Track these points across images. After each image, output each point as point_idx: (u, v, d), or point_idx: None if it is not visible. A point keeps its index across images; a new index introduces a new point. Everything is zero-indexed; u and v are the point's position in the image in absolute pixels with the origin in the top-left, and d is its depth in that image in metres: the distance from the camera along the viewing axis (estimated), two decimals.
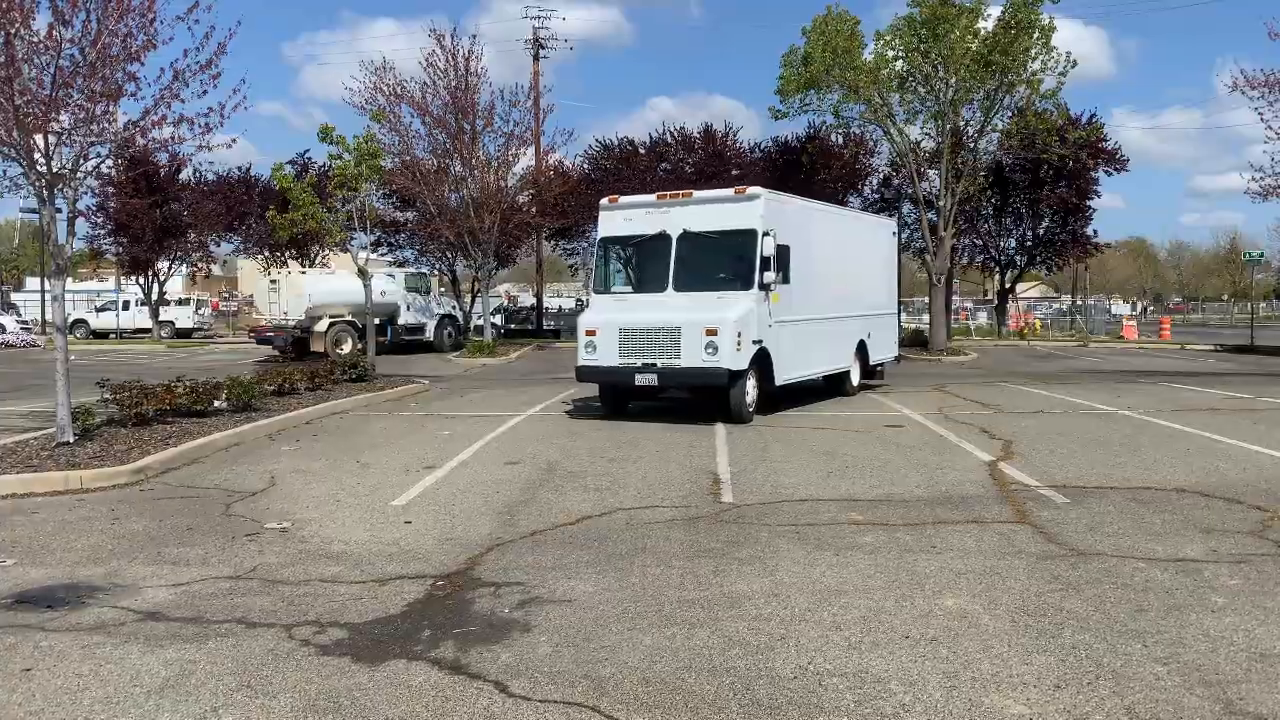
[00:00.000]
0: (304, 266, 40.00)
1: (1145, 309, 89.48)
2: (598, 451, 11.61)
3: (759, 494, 9.25)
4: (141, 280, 44.34)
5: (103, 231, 42.17)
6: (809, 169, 36.81)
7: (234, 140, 12.70)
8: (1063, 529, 7.77)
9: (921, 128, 32.89)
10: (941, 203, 32.48)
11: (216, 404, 13.92)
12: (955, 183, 32.07)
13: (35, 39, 10.78)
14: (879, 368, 19.71)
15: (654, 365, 14.01)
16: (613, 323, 14.44)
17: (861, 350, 18.27)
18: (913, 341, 34.18)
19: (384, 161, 24.57)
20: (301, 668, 5.04)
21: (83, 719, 4.46)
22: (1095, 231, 41.55)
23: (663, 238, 14.72)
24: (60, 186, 11.23)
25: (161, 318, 44.96)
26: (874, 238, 19.85)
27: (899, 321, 22.18)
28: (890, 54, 30.96)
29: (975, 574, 6.56)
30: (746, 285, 14.13)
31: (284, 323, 31.10)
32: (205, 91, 11.81)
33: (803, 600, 6.04)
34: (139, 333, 45.51)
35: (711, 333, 13.56)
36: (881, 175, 41.29)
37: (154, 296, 44.48)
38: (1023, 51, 29.64)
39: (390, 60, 47.32)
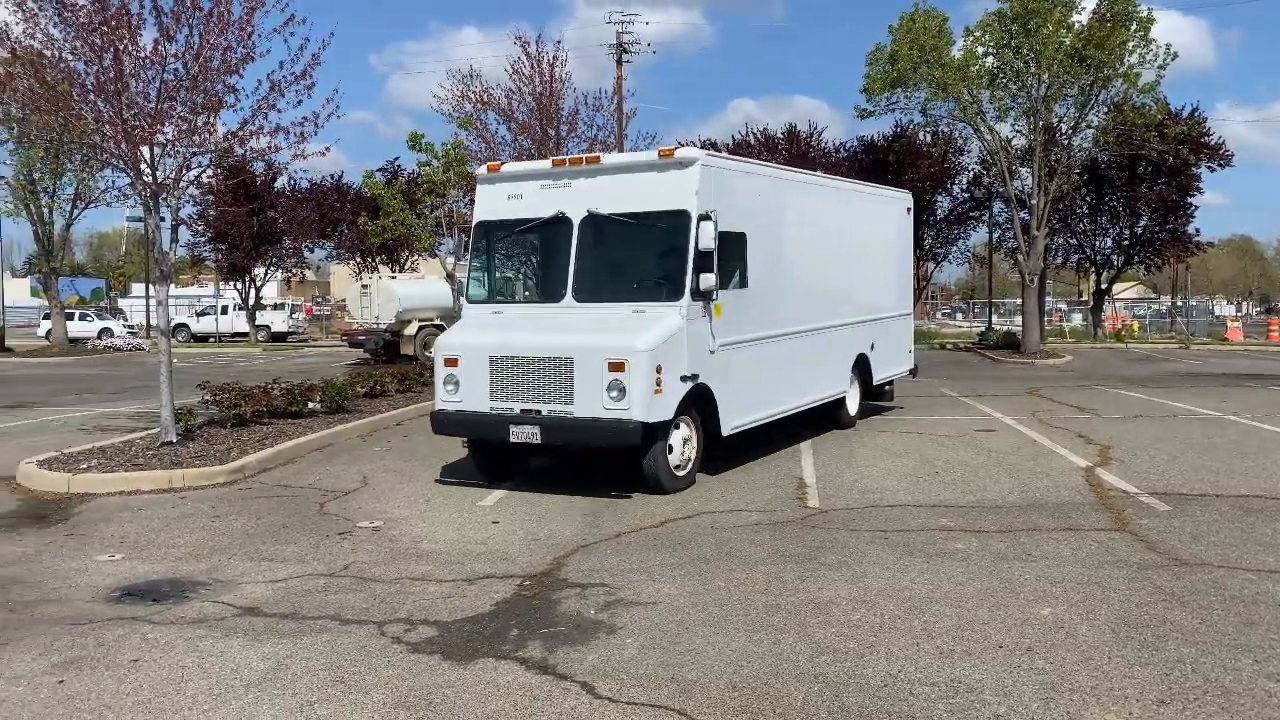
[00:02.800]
0: (394, 271, 40.88)
1: (1251, 310, 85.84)
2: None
3: (846, 499, 9.12)
4: (239, 286, 45.84)
5: (203, 239, 43.75)
6: (895, 168, 36.24)
7: (327, 149, 13.07)
8: (1165, 537, 7.49)
9: (1013, 125, 32.09)
10: (1034, 201, 31.64)
11: (311, 405, 14.29)
12: (1048, 181, 31.21)
13: (142, 54, 11.22)
14: (887, 386, 15.45)
15: (535, 413, 9.37)
16: (481, 348, 9.80)
17: (862, 366, 13.92)
18: (1005, 344, 33.36)
19: (471, 167, 24.95)
20: (393, 664, 5.14)
21: (186, 709, 4.62)
22: (1197, 230, 39.98)
23: (561, 222, 9.99)
24: (164, 196, 11.66)
25: (258, 322, 46.40)
26: (880, 217, 15.12)
27: (911, 325, 16.94)
28: (980, 50, 30.28)
29: (1072, 583, 6.36)
30: (674, 294, 9.44)
31: (375, 326, 31.78)
32: (300, 102, 12.16)
33: (892, 607, 5.94)
34: (237, 336, 47.04)
35: (616, 367, 9.02)
36: (971, 174, 40.39)
37: (251, 301, 45.94)
38: (1119, 45, 28.69)
39: (477, 68, 48.04)
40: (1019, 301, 36.75)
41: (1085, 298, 51.16)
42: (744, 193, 10.65)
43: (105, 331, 44.96)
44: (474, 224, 10.85)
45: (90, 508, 9.11)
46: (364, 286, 34.32)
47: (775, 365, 11.24)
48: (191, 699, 4.72)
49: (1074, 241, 41.53)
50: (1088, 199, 39.28)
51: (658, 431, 9.18)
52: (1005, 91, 30.96)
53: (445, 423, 10.05)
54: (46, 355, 34.74)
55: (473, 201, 11.53)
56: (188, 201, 30.99)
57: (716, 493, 9.45)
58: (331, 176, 45.91)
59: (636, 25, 49.74)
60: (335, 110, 12.31)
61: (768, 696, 4.66)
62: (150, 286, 41.96)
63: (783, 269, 11.52)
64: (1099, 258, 41.74)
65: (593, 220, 9.86)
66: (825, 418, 13.22)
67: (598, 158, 10.42)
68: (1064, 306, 59.36)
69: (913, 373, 16.20)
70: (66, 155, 32.29)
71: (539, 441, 9.38)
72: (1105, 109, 31.51)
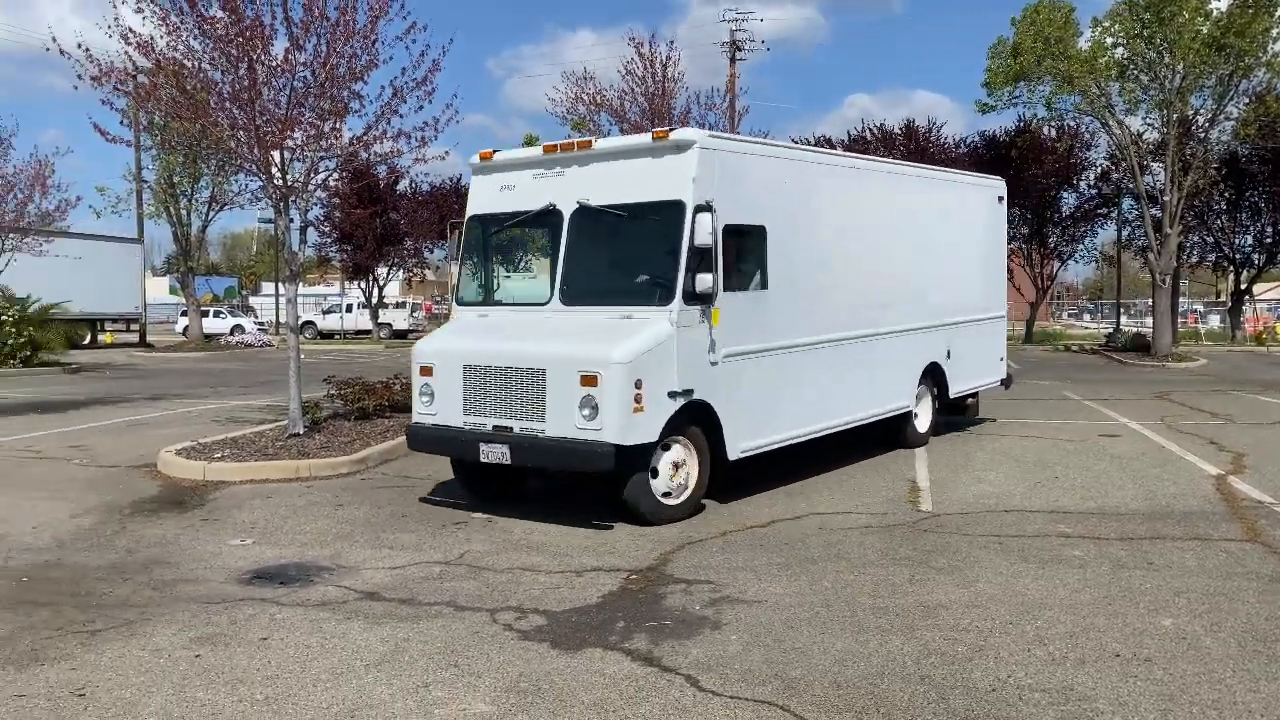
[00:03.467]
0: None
1: None
2: (789, 451, 11.54)
3: (959, 503, 8.95)
4: (362, 285, 47.46)
5: (329, 240, 45.43)
6: (1018, 164, 35.17)
7: (446, 153, 13.51)
8: None
9: (1144, 118, 30.78)
10: (1166, 197, 30.26)
11: None
12: (1182, 176, 29.81)
13: (273, 63, 11.77)
14: (970, 399, 13.48)
15: (508, 430, 8.41)
16: (455, 356, 8.89)
17: (935, 377, 12.27)
18: (1134, 346, 32.02)
19: None
20: (504, 650, 5.30)
21: (311, 685, 4.86)
22: None
23: (551, 215, 9.04)
24: (293, 198, 12.21)
25: (380, 320, 47.96)
26: (963, 207, 13.18)
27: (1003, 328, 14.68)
28: (1109, 41, 29.13)
29: (1197, 593, 6.12)
30: (665, 297, 8.30)
31: None
32: (421, 107, 12.55)
33: (1003, 612, 5.82)
34: (360, 333, 48.69)
35: (589, 381, 7.94)
36: (1099, 169, 38.88)
37: (374, 300, 47.52)
38: (1262, 32, 27.19)
39: (590, 70, 48.54)
40: (1149, 302, 35.19)
41: (1224, 299, 48.64)
42: (762, 180, 9.28)
43: (237, 328, 47.20)
44: (466, 218, 9.87)
45: (224, 494, 9.62)
46: None
47: (806, 377, 9.73)
48: (315, 676, 4.97)
49: (1211, 239, 39.55)
50: (1226, 194, 37.36)
51: (636, 456, 7.97)
52: (1136, 84, 29.69)
53: (420, 439, 9.15)
54: (183, 350, 36.66)
55: None
56: (315, 204, 32.27)
57: (825, 494, 9.38)
58: (451, 179, 47.10)
59: (750, 23, 49.49)
60: (454, 115, 12.66)
61: (872, 696, 4.64)
62: (279, 285, 43.85)
63: (819, 267, 10.05)
64: (1238, 256, 39.65)
65: (583, 213, 8.76)
66: (886, 435, 11.54)
67: (589, 142, 9.11)
68: (1200, 308, 56.51)
69: (1005, 383, 14.13)
70: (204, 160, 34.04)
71: (509, 462, 8.34)
72: (1246, 100, 29.96)
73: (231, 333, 45.83)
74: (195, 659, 5.22)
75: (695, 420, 8.47)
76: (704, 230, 8.14)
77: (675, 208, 8.31)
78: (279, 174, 11.99)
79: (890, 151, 39.61)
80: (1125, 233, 38.83)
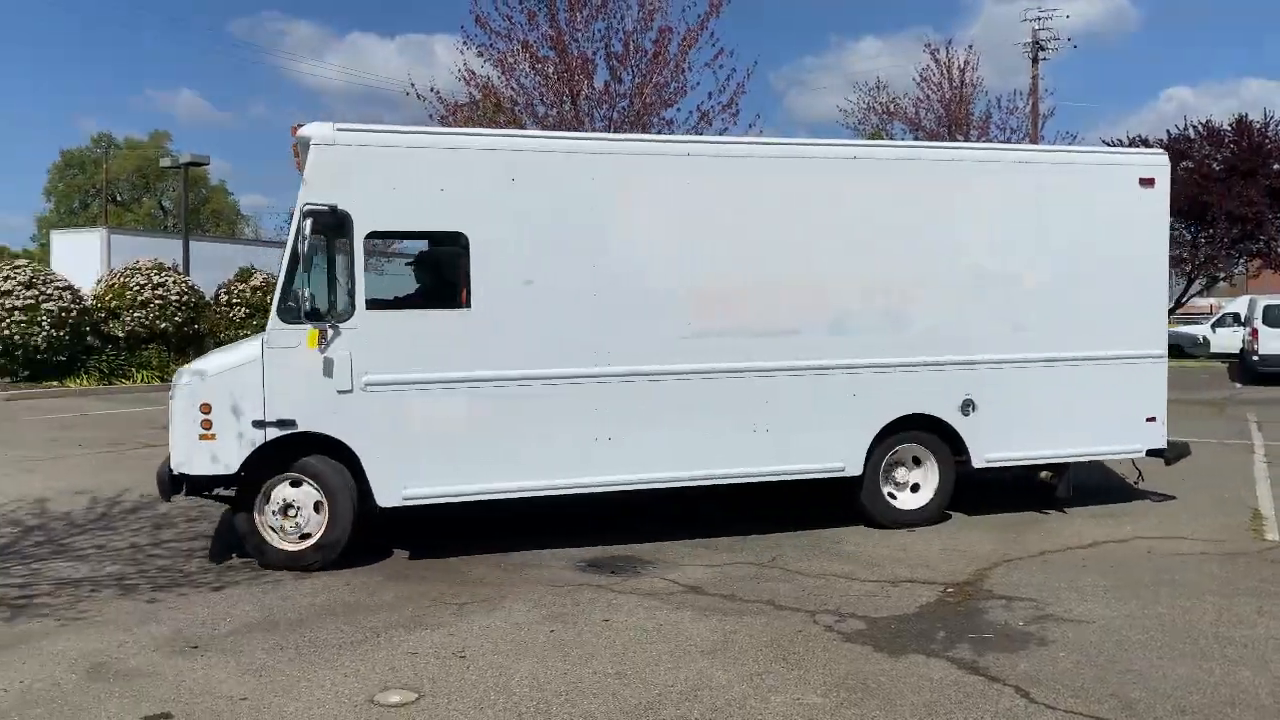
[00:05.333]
0: None
1: None
2: (1119, 476, 10.96)
3: None
4: None
5: None
6: None
7: None
8: None
9: None
10: None
11: None
12: None
13: (595, 95, 12.76)
14: (1047, 472, 9.11)
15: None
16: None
17: (941, 433, 8.60)
18: None
19: None
20: (828, 649, 5.55)
21: (654, 664, 5.34)
22: None
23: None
24: None
25: None
26: (1014, 200, 8.73)
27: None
28: None
29: None
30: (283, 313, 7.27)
31: None
32: (725, 129, 13.14)
33: None
34: None
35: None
36: None
37: None
38: None
39: (883, 79, 47.87)
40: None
41: None
42: (460, 179, 7.48)
43: None
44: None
45: None
46: None
47: (554, 417, 7.68)
48: (656, 658, 5.44)
49: None
50: None
51: (203, 487, 7.36)
52: None
53: None
54: None
55: None
56: None
57: (1152, 518, 8.88)
58: None
59: (1054, 20, 46.81)
60: (759, 135, 13.12)
61: None
62: None
63: (596, 284, 7.72)
64: None
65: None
66: (846, 506, 8.65)
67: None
68: None
69: (1164, 456, 9.17)
70: None
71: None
72: None
73: None
74: (550, 634, 5.86)
75: (269, 462, 7.23)
76: (303, 238, 7.13)
77: (299, 213, 7.25)
78: None
79: (1216, 149, 36.10)
80: None
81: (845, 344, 8.29)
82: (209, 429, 7.11)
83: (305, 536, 7.32)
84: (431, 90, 13.77)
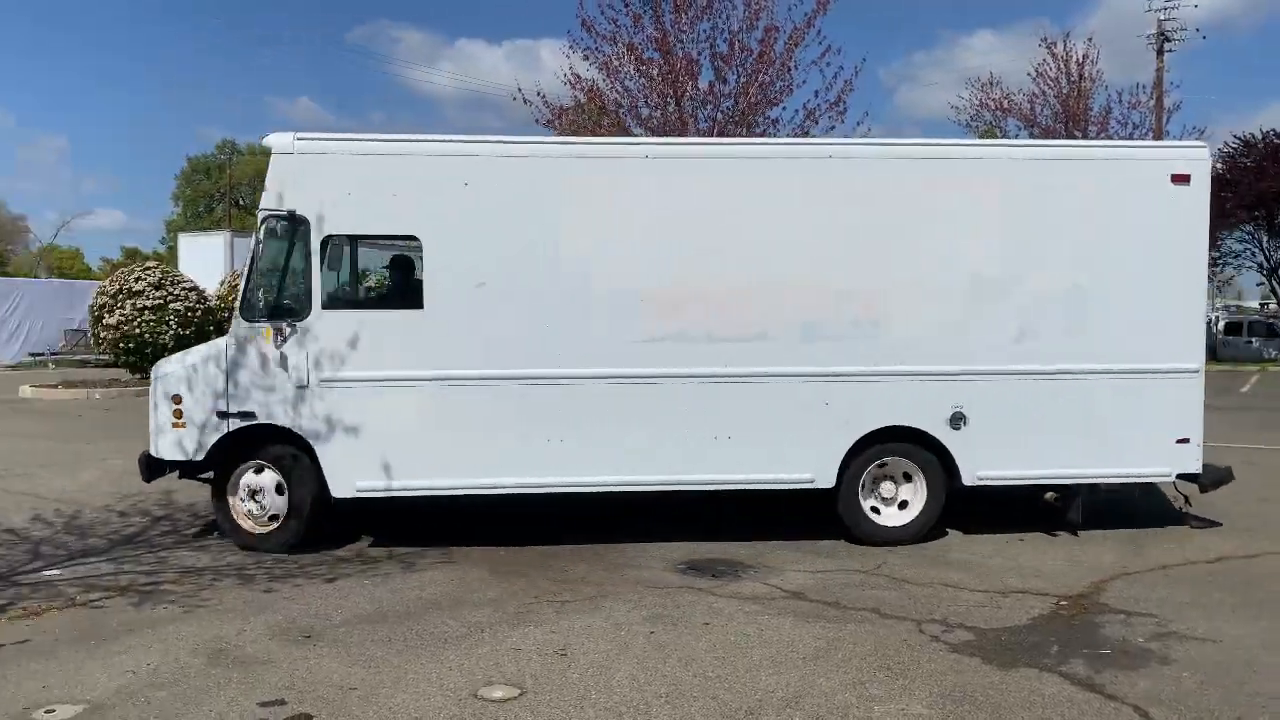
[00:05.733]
0: None
1: None
2: (1245, 487, 10.42)
3: None
4: None
5: None
6: None
7: None
8: None
9: None
10: None
11: None
12: None
13: (699, 95, 12.73)
14: (1054, 494, 8.90)
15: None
16: None
17: (932, 448, 8.06)
18: None
19: None
20: (934, 659, 5.41)
21: (756, 669, 5.29)
22: None
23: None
24: None
25: None
26: (1021, 199, 8.07)
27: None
28: None
29: None
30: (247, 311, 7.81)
31: None
32: (833, 127, 12.98)
33: None
34: None
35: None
36: None
37: None
38: None
39: (996, 74, 46.57)
40: None
41: None
42: (414, 184, 7.66)
43: None
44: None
45: None
46: None
47: (499, 416, 7.73)
48: (758, 662, 5.39)
49: None
50: None
51: (178, 471, 7.93)
52: None
53: None
54: None
55: None
56: None
57: None
58: None
59: (1181, 9, 44.79)
60: (867, 133, 12.91)
61: None
62: None
63: (552, 286, 7.73)
64: None
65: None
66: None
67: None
68: None
69: (1200, 482, 8.27)
70: None
71: None
72: None
73: None
74: (650, 635, 5.86)
75: (234, 452, 7.76)
76: (263, 241, 7.68)
77: (261, 219, 7.72)
78: None
79: None
80: None
81: (816, 351, 7.91)
82: (180, 418, 7.71)
83: (274, 519, 7.81)
84: (538, 94, 13.95)
